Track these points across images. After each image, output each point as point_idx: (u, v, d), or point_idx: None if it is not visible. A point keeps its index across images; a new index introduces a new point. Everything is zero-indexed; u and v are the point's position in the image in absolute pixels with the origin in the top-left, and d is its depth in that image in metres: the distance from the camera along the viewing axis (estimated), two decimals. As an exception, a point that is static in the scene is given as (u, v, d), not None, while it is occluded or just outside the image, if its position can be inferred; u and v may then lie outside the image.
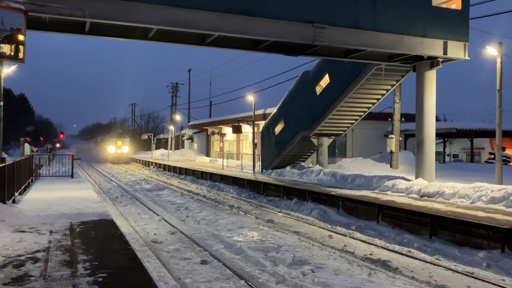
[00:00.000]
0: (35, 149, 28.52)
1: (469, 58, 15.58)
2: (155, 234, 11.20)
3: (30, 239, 7.15)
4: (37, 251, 6.40)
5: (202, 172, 27.78)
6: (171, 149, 54.41)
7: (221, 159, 34.11)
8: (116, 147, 53.58)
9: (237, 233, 11.10)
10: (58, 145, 59.65)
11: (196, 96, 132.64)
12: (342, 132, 23.23)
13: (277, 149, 25.07)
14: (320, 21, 13.29)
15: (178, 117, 58.37)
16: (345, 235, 11.22)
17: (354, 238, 10.88)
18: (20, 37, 8.26)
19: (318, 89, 21.70)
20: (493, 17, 18.44)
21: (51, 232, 7.77)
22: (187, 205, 15.96)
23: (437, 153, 21.92)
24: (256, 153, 27.47)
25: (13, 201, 11.13)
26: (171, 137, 56.97)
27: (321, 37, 13.34)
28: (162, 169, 37.88)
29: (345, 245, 10.01)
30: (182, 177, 30.11)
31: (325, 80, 21.17)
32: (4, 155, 18.45)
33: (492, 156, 30.17)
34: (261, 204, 16.97)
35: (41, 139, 68.24)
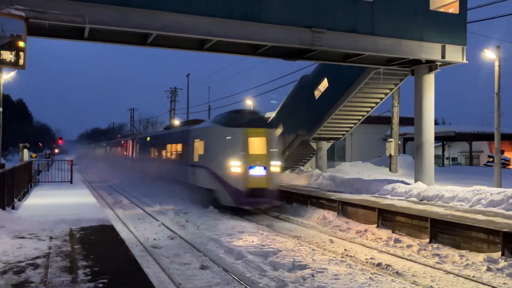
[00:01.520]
0: (34, 154, 28.50)
1: (467, 61, 15.63)
2: (154, 239, 11.18)
3: (30, 245, 7.13)
4: (37, 257, 6.38)
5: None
6: (170, 154, 54.03)
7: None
8: (258, 160, 15.25)
9: (237, 237, 11.08)
10: (57, 150, 59.39)
11: (195, 101, 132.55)
12: (341, 136, 23.26)
13: (276, 153, 24.89)
14: (318, 25, 13.33)
15: (177, 122, 58.41)
16: (346, 239, 11.22)
17: (354, 242, 10.87)
18: (21, 44, 8.28)
19: (317, 93, 21.75)
20: (491, 20, 18.48)
21: (51, 238, 7.75)
22: (186, 210, 15.92)
23: (436, 157, 21.94)
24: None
25: (13, 207, 11.10)
26: (170, 142, 56.61)
27: (320, 41, 13.38)
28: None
29: (345, 249, 10.00)
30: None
31: (324, 84, 21.22)
32: (3, 161, 18.42)
33: (491, 159, 30.22)
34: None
35: (40, 144, 68.13)
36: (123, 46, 13.59)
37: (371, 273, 7.94)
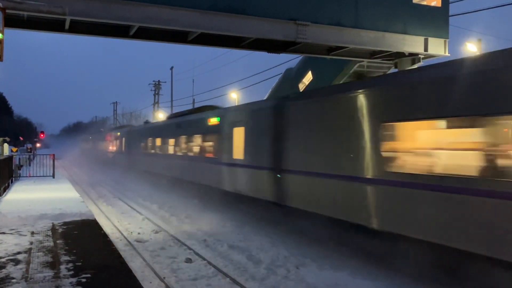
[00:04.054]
0: (14, 149, 27.92)
1: (449, 54, 15.80)
2: (138, 233, 11.12)
3: (10, 240, 7.01)
4: (18, 252, 6.28)
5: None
6: (154, 148, 53.52)
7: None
8: None
9: (221, 231, 11.09)
10: (38, 144, 58.51)
11: (179, 94, 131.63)
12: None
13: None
14: (302, 18, 13.31)
15: (161, 115, 58.04)
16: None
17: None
18: (-2, 35, 8.10)
19: (301, 86, 21.75)
20: (472, 14, 18.85)
21: (32, 233, 7.64)
22: (171, 204, 15.87)
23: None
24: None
25: (-7, 202, 10.91)
26: (155, 136, 56.08)
27: (304, 34, 13.38)
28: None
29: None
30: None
31: (308, 77, 21.23)
32: (-17, 155, 18.02)
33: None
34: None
35: (21, 138, 66.95)
36: (105, 38, 13.40)
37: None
